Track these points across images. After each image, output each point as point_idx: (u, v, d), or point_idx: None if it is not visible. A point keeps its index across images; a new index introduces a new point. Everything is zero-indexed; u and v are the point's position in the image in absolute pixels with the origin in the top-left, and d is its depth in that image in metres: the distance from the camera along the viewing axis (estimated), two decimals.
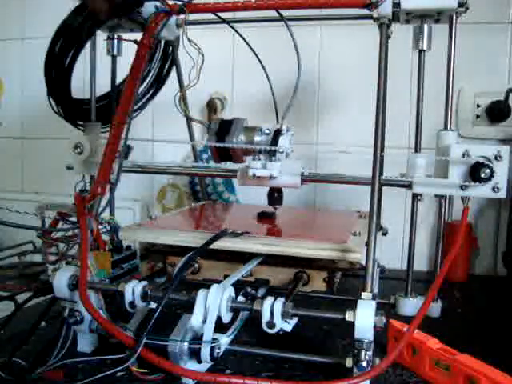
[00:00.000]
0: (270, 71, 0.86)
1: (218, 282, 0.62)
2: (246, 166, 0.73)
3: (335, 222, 0.93)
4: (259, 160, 0.72)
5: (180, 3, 0.74)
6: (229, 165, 0.77)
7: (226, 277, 0.66)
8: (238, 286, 0.62)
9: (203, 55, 0.73)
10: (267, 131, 0.73)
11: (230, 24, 0.84)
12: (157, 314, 0.56)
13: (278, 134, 0.72)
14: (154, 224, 0.82)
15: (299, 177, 0.72)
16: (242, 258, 0.72)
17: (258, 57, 0.84)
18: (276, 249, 0.69)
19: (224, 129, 0.75)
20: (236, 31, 0.85)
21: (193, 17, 0.77)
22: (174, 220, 0.91)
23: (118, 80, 0.90)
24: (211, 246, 0.68)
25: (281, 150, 0.71)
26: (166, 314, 0.58)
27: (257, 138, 0.74)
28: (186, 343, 0.56)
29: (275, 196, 0.83)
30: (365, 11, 0.70)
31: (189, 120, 0.80)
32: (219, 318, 0.57)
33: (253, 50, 0.84)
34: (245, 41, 0.85)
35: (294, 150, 0.75)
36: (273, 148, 0.71)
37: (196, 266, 0.75)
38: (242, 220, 0.90)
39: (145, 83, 0.91)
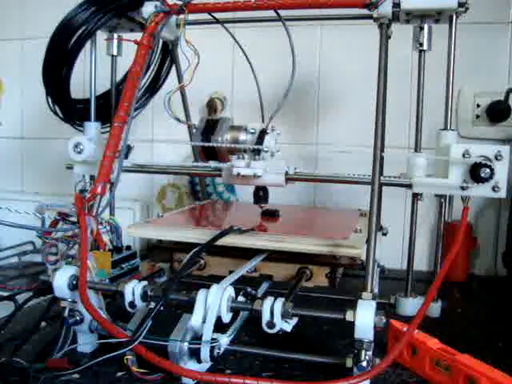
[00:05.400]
0: (270, 71, 0.86)
1: (224, 277, 0.63)
2: (231, 165, 0.73)
3: (337, 220, 0.94)
4: (243, 159, 0.72)
5: (180, 3, 0.75)
6: (214, 164, 0.77)
7: (231, 273, 0.67)
8: (239, 286, 0.62)
9: (199, 56, 0.73)
10: (252, 130, 0.74)
11: (223, 25, 0.84)
12: (161, 303, 0.56)
13: (263, 133, 0.73)
14: (160, 222, 0.83)
15: (283, 176, 0.73)
16: (247, 254, 0.73)
17: (247, 58, 0.84)
18: (280, 245, 0.71)
19: (210, 128, 0.75)
20: (229, 32, 0.85)
21: (193, 17, 0.77)
22: (180, 218, 0.92)
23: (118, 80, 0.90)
24: (218, 243, 0.69)
25: (265, 149, 0.72)
26: (166, 314, 0.58)
27: (242, 137, 0.74)
28: (185, 343, 0.56)
29: (260, 195, 0.83)
30: (365, 11, 0.70)
31: (176, 121, 0.80)
32: (219, 318, 0.57)
33: (243, 50, 0.84)
34: (236, 42, 0.85)
35: (288, 149, 0.75)
36: (257, 147, 0.72)
37: (202, 262, 0.76)
38: (247, 218, 0.91)
39: (143, 82, 0.91)
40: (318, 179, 0.79)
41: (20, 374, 0.56)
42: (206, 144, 0.74)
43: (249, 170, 0.72)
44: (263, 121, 0.80)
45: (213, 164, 0.77)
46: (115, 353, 0.54)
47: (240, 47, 0.85)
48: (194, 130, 0.77)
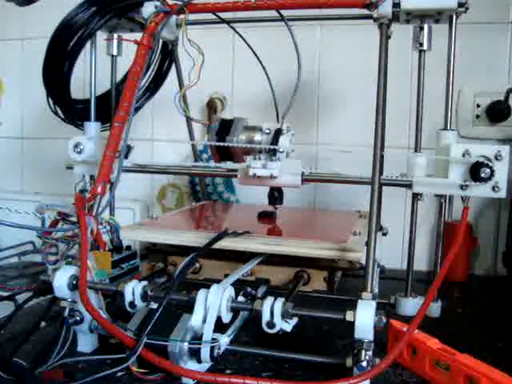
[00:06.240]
0: (270, 71, 0.86)
1: (219, 281, 0.62)
2: (247, 166, 0.72)
3: (335, 222, 0.94)
4: (259, 160, 0.72)
5: (180, 3, 0.75)
6: (229, 164, 0.77)
7: (226, 276, 0.66)
8: (238, 286, 0.62)
9: (203, 55, 0.73)
10: (267, 131, 0.73)
11: (229, 24, 0.84)
12: (158, 314, 0.56)
13: (278, 133, 0.72)
14: (154, 224, 0.82)
15: (299, 176, 0.72)
16: (243, 257, 0.72)
17: (257, 57, 0.84)
18: (276, 248, 0.69)
19: (224, 128, 0.75)
20: (236, 31, 0.85)
21: (193, 17, 0.77)
22: (175, 220, 0.91)
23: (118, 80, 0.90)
24: (212, 246, 0.68)
25: (281, 150, 0.71)
26: (166, 314, 0.58)
27: (257, 138, 0.74)
28: (185, 343, 0.56)
29: (275, 195, 0.83)
30: (365, 11, 0.70)
31: (189, 120, 0.80)
32: (219, 318, 0.57)
33: (252, 50, 0.84)
34: (245, 41, 0.85)
35: (295, 149, 0.75)
36: (273, 147, 0.71)
37: (197, 265, 0.75)
38: (243, 220, 0.91)
39: (143, 82, 0.91)
40: (332, 180, 0.78)
41: (20, 374, 0.56)
42: (222, 144, 0.73)
43: (265, 171, 0.71)
44: (278, 120, 0.80)
45: (228, 165, 0.77)
46: (113, 370, 0.54)
47: (248, 46, 0.84)
48: (200, 125, 0.77)
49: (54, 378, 0.57)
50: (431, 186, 0.70)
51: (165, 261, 0.78)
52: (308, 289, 0.72)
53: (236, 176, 0.75)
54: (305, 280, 0.72)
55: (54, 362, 0.59)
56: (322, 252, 0.68)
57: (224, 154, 0.75)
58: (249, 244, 0.70)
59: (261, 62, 0.84)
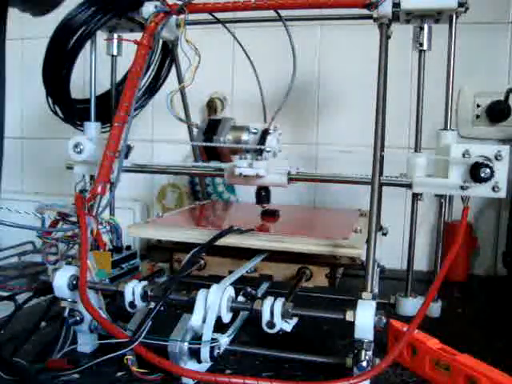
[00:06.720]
0: (270, 71, 0.86)
1: (224, 277, 0.63)
2: (234, 165, 0.73)
3: (337, 220, 0.94)
4: (246, 159, 0.72)
5: (180, 3, 0.75)
6: (219, 164, 0.77)
7: (230, 273, 0.67)
8: (238, 286, 0.62)
9: (200, 56, 0.73)
10: (255, 130, 0.74)
11: (224, 24, 0.84)
12: (161, 302, 0.56)
13: (265, 133, 0.73)
14: (160, 222, 0.84)
15: (286, 176, 0.73)
16: (247, 254, 0.73)
17: (249, 57, 0.84)
18: (280, 245, 0.71)
19: (212, 128, 0.75)
20: (230, 32, 0.85)
21: (193, 17, 0.77)
22: (180, 218, 0.92)
23: (118, 80, 0.90)
24: (218, 243, 0.69)
25: (268, 149, 0.72)
26: (166, 314, 0.58)
27: (244, 138, 0.74)
28: (185, 343, 0.56)
29: (262, 195, 0.83)
30: (365, 11, 0.70)
31: (179, 121, 0.80)
32: (219, 318, 0.57)
33: (244, 50, 0.85)
34: (238, 42, 0.85)
35: (288, 149, 0.75)
36: (260, 147, 0.72)
37: (202, 262, 0.76)
38: (246, 218, 0.91)
39: (143, 82, 0.91)
40: (318, 179, 0.79)
41: (20, 374, 0.56)
42: (208, 144, 0.74)
43: (251, 171, 0.72)
44: (265, 120, 0.80)
45: (215, 164, 0.77)
46: (115, 353, 0.54)
47: (241, 47, 0.85)
48: (196, 130, 0.77)
49: (58, 366, 0.58)
50: (431, 186, 0.70)
51: (170, 258, 0.79)
52: (310, 285, 0.73)
53: (223, 176, 0.76)
54: (307, 276, 0.73)
55: None
56: (324, 249, 0.69)
57: (211, 153, 0.76)
58: (253, 241, 0.72)
59: (251, 63, 0.84)
